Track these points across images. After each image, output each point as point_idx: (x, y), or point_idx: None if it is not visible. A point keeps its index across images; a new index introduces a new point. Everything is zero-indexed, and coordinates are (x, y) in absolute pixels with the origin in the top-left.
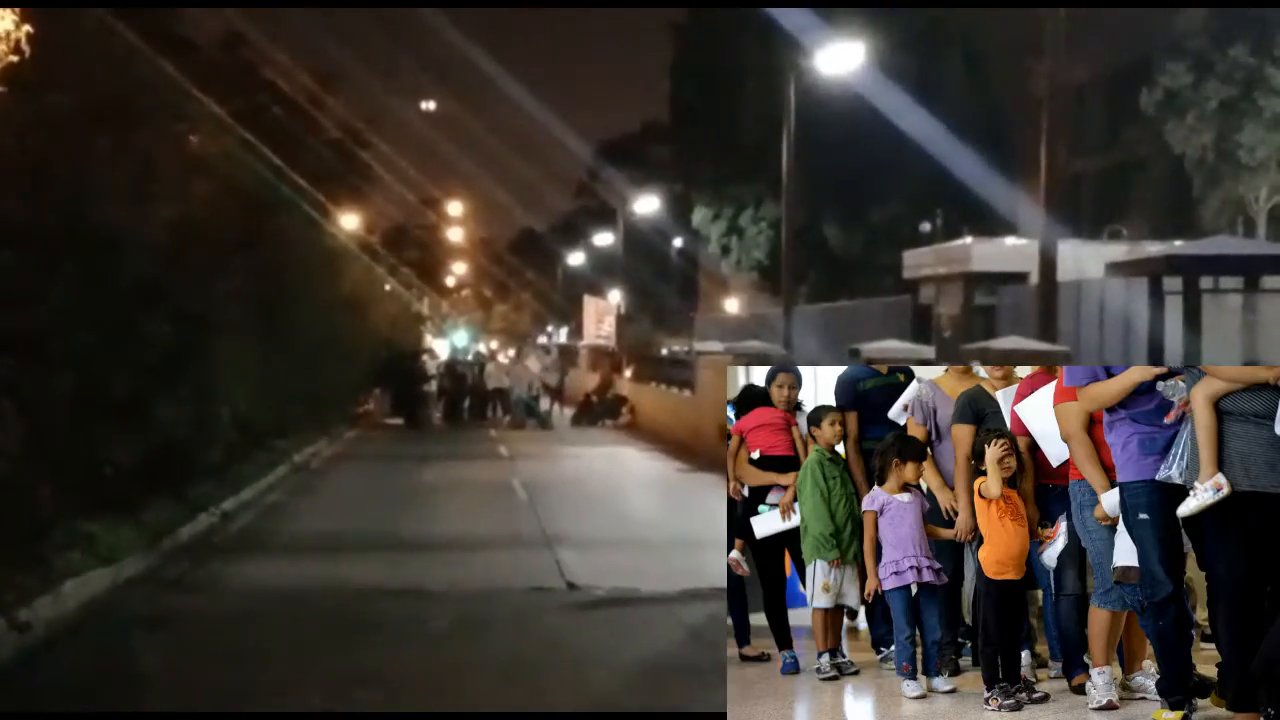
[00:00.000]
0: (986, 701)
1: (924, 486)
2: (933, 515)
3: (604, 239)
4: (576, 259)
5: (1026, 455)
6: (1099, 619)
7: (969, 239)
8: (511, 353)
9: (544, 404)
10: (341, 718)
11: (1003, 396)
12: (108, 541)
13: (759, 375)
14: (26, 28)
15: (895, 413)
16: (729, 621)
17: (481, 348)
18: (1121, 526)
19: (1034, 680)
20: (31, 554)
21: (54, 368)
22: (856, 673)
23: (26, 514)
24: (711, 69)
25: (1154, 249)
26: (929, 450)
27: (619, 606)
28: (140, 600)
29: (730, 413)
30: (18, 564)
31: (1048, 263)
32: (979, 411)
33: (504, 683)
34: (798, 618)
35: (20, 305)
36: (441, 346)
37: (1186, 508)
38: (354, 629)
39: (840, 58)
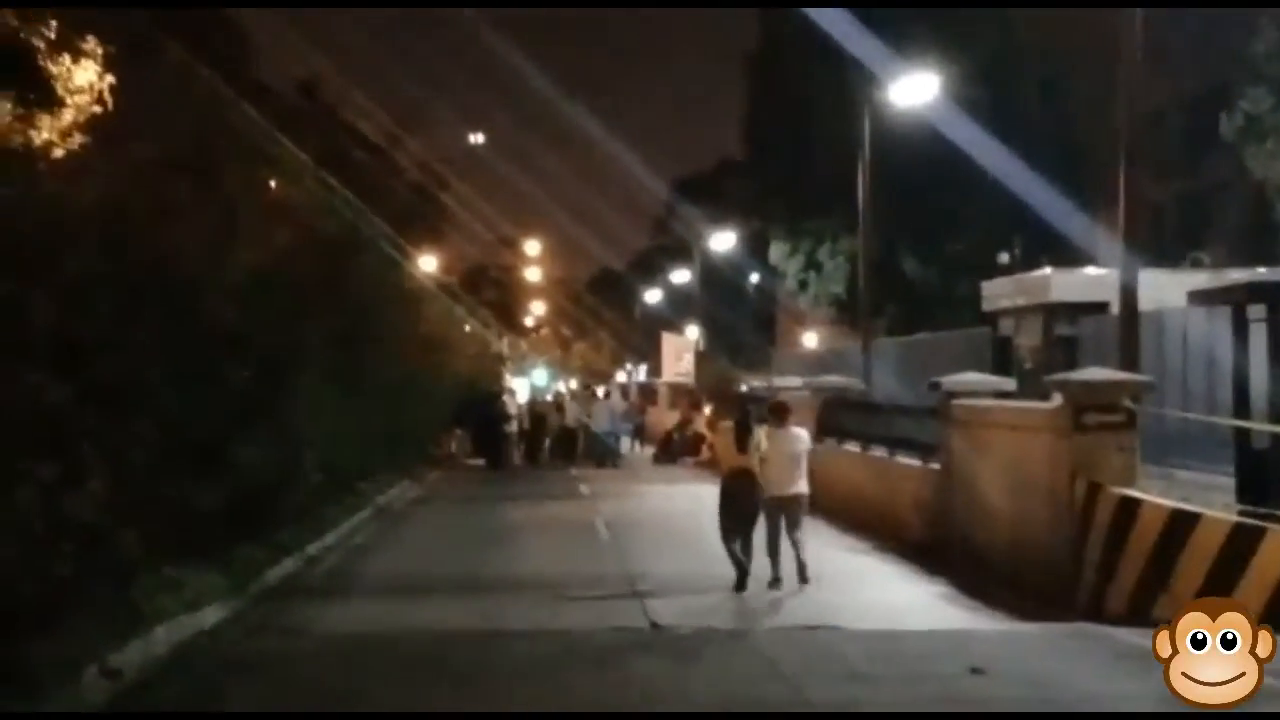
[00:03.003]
0: None
1: None
2: None
3: (681, 276)
4: (654, 296)
5: None
6: None
7: (1048, 269)
8: (601, 390)
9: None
10: (345, 717)
11: None
12: (196, 586)
13: None
14: (109, 78)
15: None
16: None
17: (561, 387)
18: None
19: None
20: (121, 600)
21: (138, 414)
22: None
23: (115, 561)
24: (786, 103)
25: (1236, 276)
26: None
27: (702, 645)
28: (229, 644)
29: None
30: (107, 610)
31: (1128, 292)
32: None
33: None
34: None
35: (106, 352)
36: (521, 386)
37: None
38: (439, 670)
39: (914, 89)
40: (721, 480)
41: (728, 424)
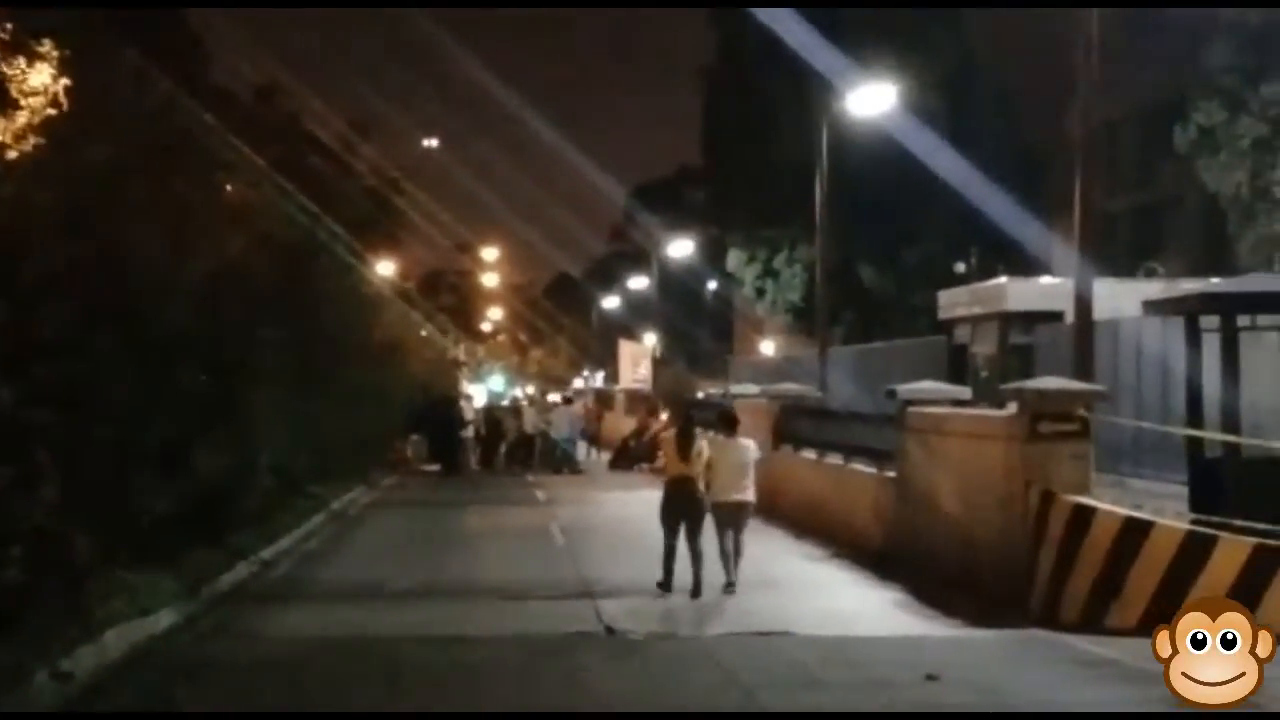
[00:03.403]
0: None
1: None
2: None
3: (639, 282)
4: (611, 303)
5: None
6: None
7: (1004, 278)
8: (556, 397)
9: (581, 449)
10: (341, 717)
11: None
12: (148, 591)
13: None
14: (64, 80)
15: None
16: None
17: (518, 392)
18: None
19: None
20: (72, 604)
21: (93, 417)
22: None
23: (67, 564)
24: (743, 112)
25: (1190, 286)
26: None
27: (657, 651)
28: (181, 649)
29: None
30: (59, 614)
31: (1083, 301)
32: None
33: None
34: None
35: (59, 356)
36: (478, 391)
37: None
38: (393, 675)
39: (871, 99)
40: (664, 487)
41: (669, 432)
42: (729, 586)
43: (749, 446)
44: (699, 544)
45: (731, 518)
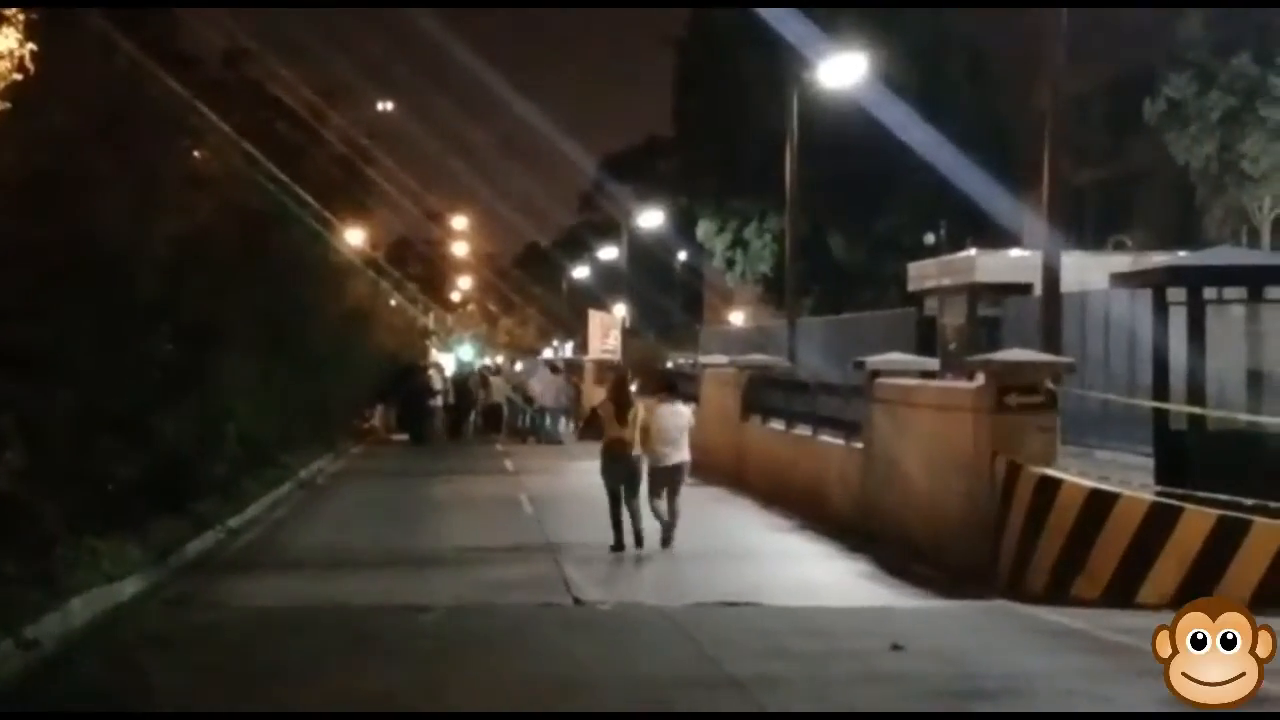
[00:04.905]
0: None
1: None
2: None
3: (609, 253)
4: (581, 272)
5: None
6: None
7: (973, 250)
8: (520, 366)
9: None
10: (338, 718)
11: None
12: (114, 558)
13: None
14: (30, 45)
15: None
16: None
17: (488, 361)
18: None
19: None
20: (37, 571)
21: (58, 385)
22: None
23: (31, 531)
24: (714, 82)
25: (1157, 259)
26: None
27: (624, 621)
28: (147, 617)
29: None
30: (24, 582)
31: (1051, 274)
32: None
33: (509, 698)
34: None
35: (24, 322)
36: (447, 361)
37: None
38: (361, 645)
39: (843, 69)
40: (601, 448)
41: (607, 398)
42: (667, 544)
43: (682, 411)
44: (636, 502)
45: (668, 479)
